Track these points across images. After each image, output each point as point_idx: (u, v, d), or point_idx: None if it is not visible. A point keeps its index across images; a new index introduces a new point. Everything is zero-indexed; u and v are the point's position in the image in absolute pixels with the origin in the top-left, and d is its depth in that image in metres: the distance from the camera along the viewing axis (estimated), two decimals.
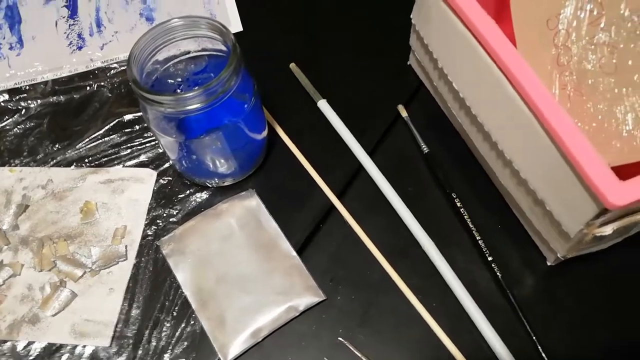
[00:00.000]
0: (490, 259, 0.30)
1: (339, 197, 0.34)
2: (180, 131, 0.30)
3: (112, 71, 0.42)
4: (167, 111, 0.28)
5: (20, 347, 0.30)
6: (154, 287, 0.32)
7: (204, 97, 0.27)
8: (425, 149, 0.35)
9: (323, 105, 0.38)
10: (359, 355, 0.29)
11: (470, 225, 0.31)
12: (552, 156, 0.25)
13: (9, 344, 0.30)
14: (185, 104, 0.27)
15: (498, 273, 0.30)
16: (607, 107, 0.27)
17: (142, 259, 0.33)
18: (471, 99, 0.31)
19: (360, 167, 0.35)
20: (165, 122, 0.30)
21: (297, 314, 0.30)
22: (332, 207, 0.34)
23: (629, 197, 0.22)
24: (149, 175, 0.36)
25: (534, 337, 0.28)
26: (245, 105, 0.31)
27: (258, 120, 0.34)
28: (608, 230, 0.25)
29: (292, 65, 0.40)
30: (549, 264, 0.31)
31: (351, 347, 0.29)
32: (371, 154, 0.35)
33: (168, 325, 0.30)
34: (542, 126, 0.25)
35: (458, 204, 0.32)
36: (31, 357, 0.30)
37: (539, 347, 0.28)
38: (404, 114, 0.37)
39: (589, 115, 0.27)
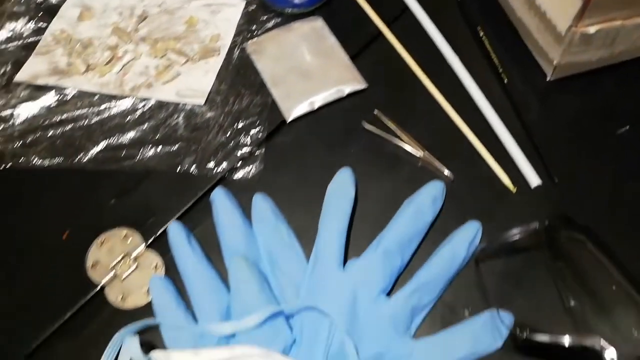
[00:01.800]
0: (500, 70, 0.39)
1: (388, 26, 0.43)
2: None
3: None
4: None
5: (138, 102, 0.41)
6: (238, 73, 0.42)
7: None
8: None
9: None
10: (387, 136, 0.38)
11: (488, 46, 0.40)
12: None
13: (130, 100, 0.41)
14: None
15: (505, 79, 0.38)
16: None
17: (232, 56, 0.43)
18: None
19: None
20: None
21: (343, 95, 0.39)
22: (380, 33, 0.43)
23: None
24: (240, 1, 0.46)
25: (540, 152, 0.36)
26: None
27: None
28: (592, 29, 0.33)
29: None
30: (548, 79, 0.39)
31: (377, 131, 0.38)
32: None
33: (247, 96, 0.41)
34: None
35: (481, 34, 0.41)
36: (146, 108, 0.41)
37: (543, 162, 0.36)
38: None
39: None
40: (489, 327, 0.30)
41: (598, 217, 0.33)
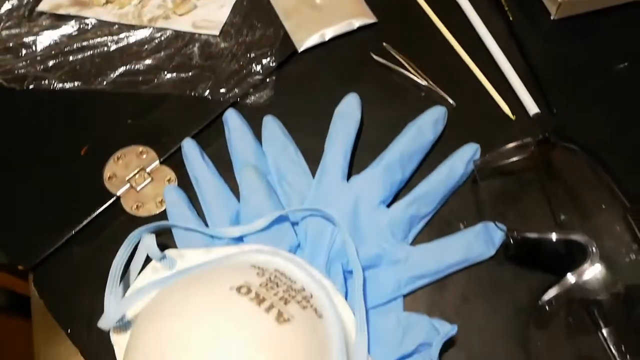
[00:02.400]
0: (506, 8, 0.40)
1: None
2: None
3: None
4: None
5: (155, 32, 0.43)
6: (252, 6, 0.43)
7: None
8: None
9: None
10: (394, 67, 0.39)
11: None
12: None
13: (148, 30, 0.43)
14: None
15: (510, 17, 0.39)
16: None
17: None
18: None
19: None
20: None
21: (354, 28, 0.41)
22: None
23: None
24: None
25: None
26: None
27: None
28: None
29: None
30: (552, 17, 0.40)
31: (385, 62, 0.39)
32: None
33: (260, 28, 0.42)
34: None
35: None
36: (163, 38, 0.43)
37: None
38: None
39: None
40: (483, 237, 0.31)
41: (594, 147, 0.35)
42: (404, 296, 0.31)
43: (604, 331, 0.29)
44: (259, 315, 0.25)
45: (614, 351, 0.28)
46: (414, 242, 0.33)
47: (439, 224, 0.33)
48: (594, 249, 0.25)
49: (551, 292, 0.25)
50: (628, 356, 0.28)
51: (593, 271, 0.25)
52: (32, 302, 0.36)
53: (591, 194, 0.28)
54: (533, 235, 0.27)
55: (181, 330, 0.25)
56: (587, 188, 0.28)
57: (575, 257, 0.28)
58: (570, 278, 0.25)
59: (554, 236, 0.26)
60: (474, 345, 0.30)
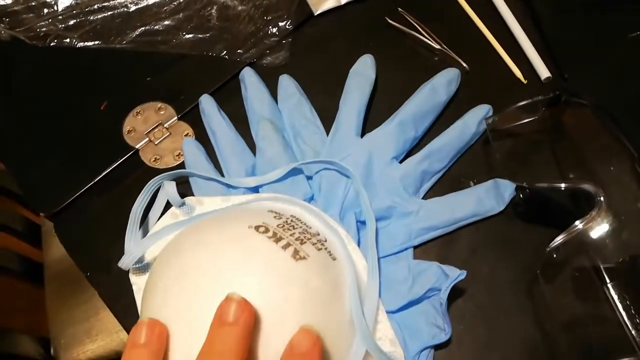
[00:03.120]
0: None
1: None
2: None
3: None
4: None
5: None
6: None
7: None
8: None
9: None
10: (408, 31, 0.40)
11: None
12: None
13: None
14: None
15: None
16: None
17: None
18: None
19: None
20: None
21: None
22: None
23: None
24: None
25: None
26: None
27: None
28: None
29: None
30: None
31: (400, 26, 0.40)
32: None
33: None
34: None
35: None
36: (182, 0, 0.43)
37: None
38: None
39: None
40: (493, 192, 0.32)
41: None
42: (414, 248, 0.32)
43: (609, 285, 0.30)
44: (277, 252, 0.26)
45: (618, 305, 0.29)
46: (426, 197, 0.34)
47: (450, 181, 0.34)
48: (601, 197, 0.26)
49: (559, 239, 0.26)
50: (632, 309, 0.29)
51: (600, 219, 0.26)
52: (45, 268, 0.38)
53: (600, 147, 0.28)
54: (543, 185, 0.27)
55: (201, 261, 0.26)
56: (596, 141, 0.29)
57: (583, 210, 0.29)
58: (579, 225, 0.26)
59: (562, 185, 0.26)
60: (481, 295, 0.31)
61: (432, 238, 0.32)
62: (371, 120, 0.37)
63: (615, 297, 0.29)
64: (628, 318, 0.29)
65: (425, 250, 0.32)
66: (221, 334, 0.22)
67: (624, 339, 0.29)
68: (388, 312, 0.29)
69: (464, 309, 0.30)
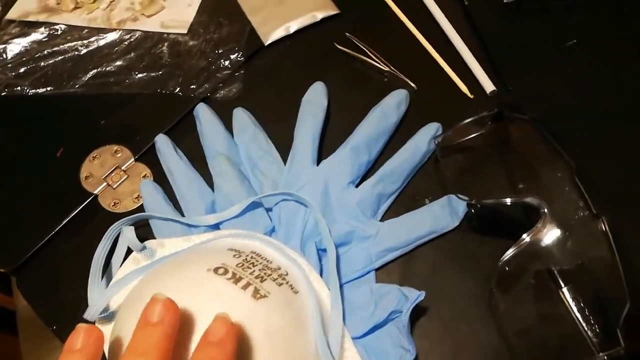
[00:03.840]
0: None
1: None
2: None
3: None
4: None
5: (125, 34, 0.44)
6: (218, 4, 0.44)
7: None
8: None
9: None
10: (357, 55, 0.41)
11: None
12: None
13: (117, 32, 0.44)
14: None
15: (465, 2, 0.41)
16: None
17: None
18: None
19: None
20: None
21: (317, 20, 0.42)
22: None
23: None
24: None
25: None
26: None
27: None
28: None
29: None
30: (505, 1, 0.42)
31: (348, 51, 0.41)
32: None
33: (227, 25, 0.43)
34: None
35: None
36: (133, 39, 0.44)
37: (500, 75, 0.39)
38: None
39: None
40: (447, 209, 0.33)
41: (549, 119, 0.36)
42: (377, 270, 0.33)
43: (564, 289, 0.31)
44: (237, 293, 0.26)
45: (573, 307, 0.30)
46: (383, 219, 0.34)
47: (406, 200, 0.35)
48: (545, 209, 0.27)
49: (509, 252, 0.27)
50: (586, 311, 0.30)
51: (546, 230, 0.27)
52: (17, 315, 0.37)
53: (541, 159, 0.30)
54: (490, 201, 0.28)
55: None
56: (538, 153, 0.30)
57: (532, 221, 0.30)
58: (526, 238, 0.27)
59: (508, 200, 0.27)
60: (444, 310, 0.31)
61: (392, 259, 0.33)
62: (328, 145, 0.38)
63: (570, 301, 0.31)
64: (583, 320, 0.30)
65: (387, 271, 0.33)
66: (145, 333, 0.22)
67: (582, 340, 0.30)
68: (354, 338, 0.29)
69: (429, 326, 0.31)
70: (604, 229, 0.25)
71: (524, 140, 0.31)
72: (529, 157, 0.31)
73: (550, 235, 0.27)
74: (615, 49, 0.40)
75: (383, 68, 0.40)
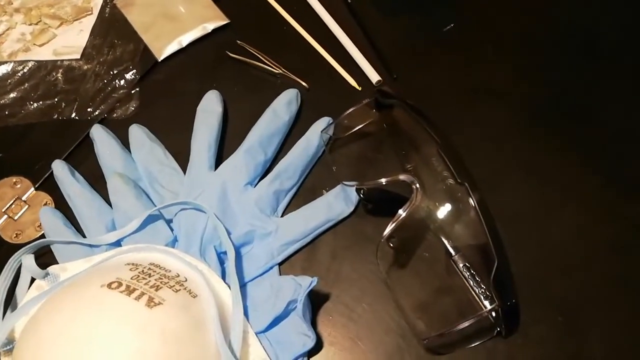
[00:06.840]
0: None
1: None
2: None
3: None
4: None
5: (17, 65, 0.43)
6: (110, 27, 0.45)
7: None
8: None
9: None
10: (249, 61, 0.42)
11: None
12: None
13: (9, 65, 0.43)
14: None
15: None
16: None
17: (104, 13, 0.46)
18: None
19: None
20: None
21: (208, 31, 0.43)
22: None
23: None
24: None
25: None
26: None
27: None
28: None
29: None
30: None
31: (240, 57, 0.42)
32: None
33: (120, 45, 0.44)
34: None
35: None
36: (26, 70, 0.43)
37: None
38: None
39: None
40: (341, 196, 0.34)
41: (432, 103, 0.37)
42: (280, 264, 0.34)
43: (455, 257, 0.33)
44: (129, 303, 0.27)
45: (465, 274, 0.32)
46: (285, 213, 0.35)
47: (306, 193, 0.36)
48: (417, 185, 0.28)
49: (388, 229, 0.28)
50: (476, 276, 0.32)
51: (419, 202, 0.28)
52: None
53: (414, 139, 0.31)
54: (369, 183, 0.30)
55: (57, 332, 0.26)
56: (412, 135, 0.32)
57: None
58: (402, 213, 0.28)
59: (383, 181, 0.29)
60: (345, 294, 0.33)
61: (294, 251, 0.34)
62: (229, 151, 0.38)
63: (462, 267, 0.32)
64: (475, 285, 0.32)
65: (290, 264, 0.34)
66: None
67: (478, 305, 0.32)
68: (259, 332, 0.30)
69: (333, 310, 0.32)
70: (467, 194, 0.27)
71: (402, 123, 0.33)
72: (407, 138, 0.33)
73: (424, 206, 0.29)
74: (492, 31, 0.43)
75: (275, 71, 0.41)
